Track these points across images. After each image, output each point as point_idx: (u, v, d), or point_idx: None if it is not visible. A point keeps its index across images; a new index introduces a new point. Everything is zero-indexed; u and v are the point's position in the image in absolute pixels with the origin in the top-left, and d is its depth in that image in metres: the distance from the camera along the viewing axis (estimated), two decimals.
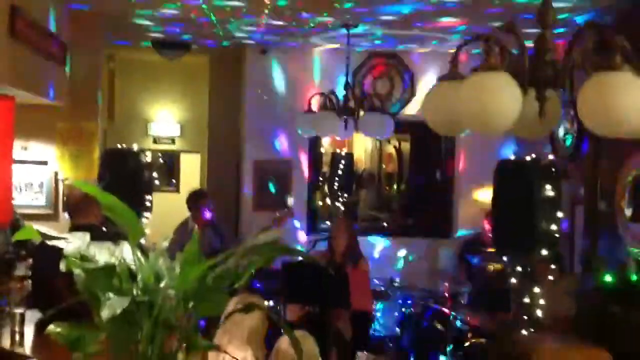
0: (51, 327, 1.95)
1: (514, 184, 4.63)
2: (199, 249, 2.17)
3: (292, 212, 6.80)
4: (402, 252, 7.73)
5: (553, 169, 4.57)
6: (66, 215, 5.15)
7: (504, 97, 2.32)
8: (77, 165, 6.10)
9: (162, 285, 2.02)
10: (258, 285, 6.24)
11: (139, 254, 2.13)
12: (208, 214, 6.29)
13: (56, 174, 6.18)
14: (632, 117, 2.21)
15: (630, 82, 2.23)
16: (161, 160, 11.62)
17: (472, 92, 2.38)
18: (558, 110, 2.79)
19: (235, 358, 2.91)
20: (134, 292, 2.00)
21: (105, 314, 1.77)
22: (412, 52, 7.52)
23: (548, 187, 4.43)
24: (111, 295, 1.96)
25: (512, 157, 5.23)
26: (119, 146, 6.56)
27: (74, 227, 3.90)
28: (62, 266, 1.94)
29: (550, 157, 5.50)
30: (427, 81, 7.43)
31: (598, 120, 2.30)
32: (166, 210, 9.86)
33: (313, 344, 3.14)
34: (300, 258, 5.47)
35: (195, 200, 6.39)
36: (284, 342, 3.10)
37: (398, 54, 7.53)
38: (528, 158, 4.89)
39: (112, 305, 1.79)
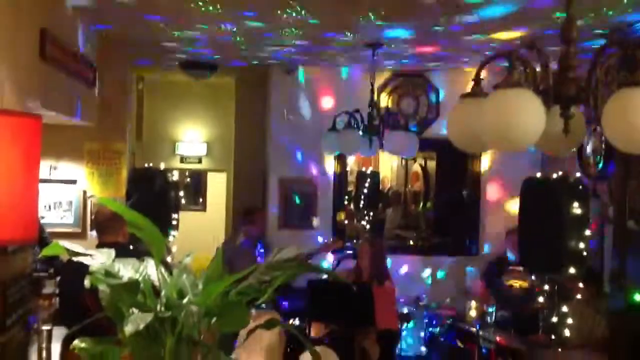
0: (76, 342, 1.97)
1: (540, 201, 4.59)
2: (223, 265, 2.19)
3: (342, 243, 6.79)
4: (428, 271, 7.68)
5: (580, 187, 4.53)
6: (94, 233, 5.23)
7: (526, 114, 2.31)
8: (105, 184, 6.19)
9: (185, 301, 2.04)
10: (284, 302, 6.25)
11: (162, 270, 2.15)
12: (256, 231, 6.36)
13: (85, 192, 6.28)
14: None
15: None
16: (188, 180, 11.75)
17: (494, 109, 2.37)
18: (582, 127, 2.77)
19: None
20: (158, 307, 2.02)
21: (128, 329, 1.78)
22: (437, 70, 7.52)
23: (575, 204, 4.38)
24: (135, 310, 1.98)
25: (539, 175, 5.18)
26: (146, 165, 6.64)
27: (101, 245, 3.93)
28: (87, 282, 1.96)
29: (578, 174, 5.45)
30: (452, 99, 7.41)
31: (623, 137, 2.28)
32: (193, 229, 9.95)
33: (335, 359, 3.13)
34: (325, 276, 5.49)
35: (246, 215, 6.45)
36: (305, 358, 3.09)
37: (423, 72, 7.54)
38: (555, 175, 4.84)
39: (135, 321, 1.81)
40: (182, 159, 9.82)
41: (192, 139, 9.71)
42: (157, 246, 2.06)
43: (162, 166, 6.44)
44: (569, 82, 2.53)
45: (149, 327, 1.89)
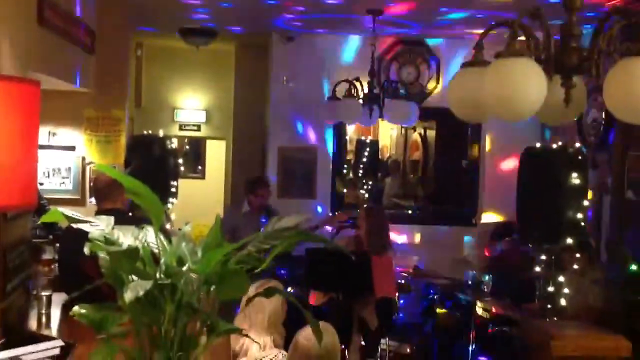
0: (75, 309, 1.98)
1: (539, 171, 4.58)
2: (222, 233, 2.19)
3: (346, 216, 6.78)
4: (426, 240, 7.71)
5: (580, 157, 4.52)
6: (93, 200, 5.23)
7: (528, 83, 2.30)
8: (104, 151, 6.17)
9: (184, 268, 2.05)
10: (282, 271, 6.27)
11: (161, 237, 2.15)
12: (261, 201, 6.35)
13: (83, 159, 6.26)
14: None
15: None
16: (187, 147, 11.72)
17: (496, 78, 2.36)
18: (584, 97, 2.76)
19: (257, 342, 2.93)
20: (157, 275, 2.02)
21: (128, 296, 1.78)
22: (439, 38, 7.47)
23: (575, 175, 4.38)
24: (134, 277, 1.99)
25: (538, 145, 5.17)
26: (145, 133, 6.62)
27: (100, 212, 3.94)
28: (86, 249, 1.96)
29: (577, 144, 5.44)
30: (453, 68, 7.38)
31: (624, 107, 2.27)
32: (191, 196, 9.95)
33: (334, 335, 3.14)
34: (323, 245, 5.50)
35: (252, 185, 6.45)
36: (302, 336, 3.10)
37: (424, 40, 7.49)
38: (555, 145, 4.83)
39: (135, 288, 1.81)
40: (181, 127, 9.79)
41: (191, 106, 9.67)
42: (156, 214, 2.06)
43: (161, 133, 6.41)
44: (571, 52, 2.51)
45: (148, 294, 1.89)
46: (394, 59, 7.50)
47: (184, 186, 7.80)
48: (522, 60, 2.32)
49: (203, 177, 11.85)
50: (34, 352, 2.61)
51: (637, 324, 4.35)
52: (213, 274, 1.96)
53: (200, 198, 10.49)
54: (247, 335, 2.66)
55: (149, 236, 2.18)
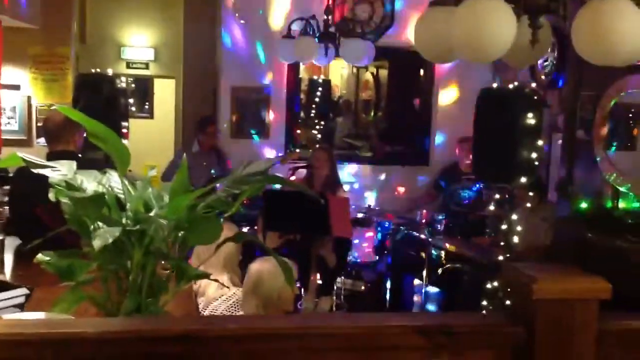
0: (40, 256, 1.92)
1: (496, 112, 4.61)
2: (188, 178, 2.14)
3: (299, 154, 6.74)
4: (379, 180, 7.75)
5: (535, 97, 4.56)
6: (41, 140, 5.07)
7: (499, 24, 2.27)
8: (50, 89, 5.96)
9: (152, 214, 2.00)
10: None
11: (127, 182, 2.09)
12: (212, 140, 6.26)
13: (29, 98, 6.04)
14: (627, 44, 2.18)
15: (625, 8, 2.19)
16: (133, 86, 11.40)
17: (466, 18, 2.32)
18: (549, 38, 2.76)
19: (216, 281, 2.91)
20: (124, 221, 1.97)
21: (97, 243, 1.74)
22: None
23: (530, 115, 4.42)
24: (100, 224, 1.93)
25: (495, 85, 5.20)
26: (93, 71, 6.40)
27: (51, 154, 3.82)
28: (51, 195, 1.89)
29: (533, 85, 5.49)
30: (408, 7, 7.31)
31: (593, 47, 2.27)
32: (140, 137, 9.75)
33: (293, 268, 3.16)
34: (279, 186, 5.49)
35: (202, 123, 6.33)
36: (253, 264, 3.12)
37: None
38: (511, 86, 4.86)
39: (104, 235, 1.77)
40: (128, 65, 9.49)
41: (138, 43, 9.37)
42: (121, 157, 1.99)
43: (110, 72, 6.20)
44: None
45: (116, 241, 1.85)
46: None
47: (132, 126, 7.62)
48: (494, 0, 2.29)
49: (152, 117, 11.60)
50: (1, 300, 2.54)
51: (586, 261, 4.48)
52: (183, 219, 1.92)
53: (149, 138, 10.28)
54: (216, 280, 2.64)
55: (113, 181, 2.12)
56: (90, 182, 2.05)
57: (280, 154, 7.32)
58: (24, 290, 2.63)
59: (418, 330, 1.33)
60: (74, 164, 2.03)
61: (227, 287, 3.52)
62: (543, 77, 6.22)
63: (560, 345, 1.34)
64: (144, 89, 11.55)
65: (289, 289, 2.96)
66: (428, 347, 1.32)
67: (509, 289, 1.40)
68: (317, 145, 7.27)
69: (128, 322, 1.70)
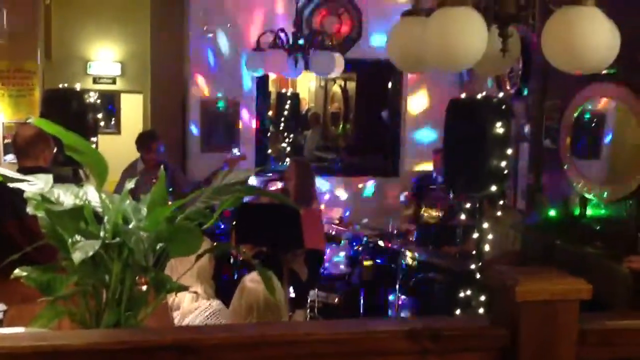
0: (18, 272, 1.90)
1: (465, 122, 4.66)
2: (166, 190, 2.13)
3: (244, 155, 6.74)
4: (349, 192, 7.78)
5: (504, 107, 4.63)
6: (8, 157, 5.00)
7: (471, 33, 2.31)
8: (17, 105, 5.89)
9: (130, 226, 1.99)
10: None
11: (104, 195, 2.07)
12: (157, 156, 6.16)
13: None
14: (596, 51, 2.24)
15: (595, 17, 2.25)
16: (98, 101, 11.28)
17: (437, 27, 2.36)
18: (518, 47, 2.81)
19: (193, 292, 2.90)
20: (102, 234, 1.96)
21: (77, 256, 1.72)
22: None
23: (499, 124, 4.49)
24: (78, 238, 1.91)
25: (464, 95, 5.27)
26: (60, 86, 6.33)
27: (22, 170, 3.77)
28: (29, 209, 1.87)
29: (501, 94, 5.57)
30: (375, 20, 7.38)
31: (562, 55, 2.31)
32: (107, 153, 9.61)
33: (278, 282, 3.15)
34: (249, 198, 5.48)
35: (144, 141, 6.24)
36: (249, 279, 3.10)
37: None
38: (479, 96, 4.92)
39: (83, 248, 1.75)
40: (95, 80, 9.43)
41: (105, 58, 9.31)
42: (100, 171, 1.98)
43: (78, 87, 6.15)
44: (509, 1, 2.54)
45: (94, 255, 1.83)
46: (317, 8, 7.41)
47: (99, 142, 7.53)
48: (465, 9, 2.33)
49: (119, 133, 11.51)
50: None
51: (556, 267, 4.55)
52: (163, 231, 1.91)
53: (116, 154, 10.15)
54: (196, 293, 2.62)
55: (89, 194, 2.10)
56: (67, 196, 2.03)
57: (251, 168, 7.31)
58: (2, 306, 2.59)
59: (405, 335, 1.34)
60: (50, 177, 2.02)
61: (206, 299, 3.50)
62: (509, 86, 6.33)
63: (544, 346, 1.37)
64: (110, 105, 11.47)
65: (273, 297, 2.95)
66: (415, 351, 1.33)
67: (492, 292, 1.42)
68: (293, 158, 7.31)
69: (114, 333, 1.69)
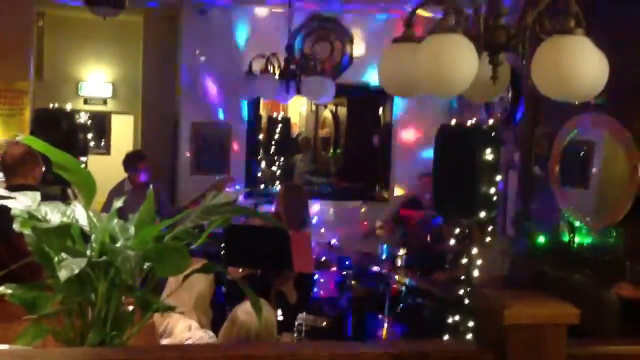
0: (2, 289, 1.88)
1: (455, 148, 4.70)
2: (153, 209, 2.12)
3: (233, 178, 6.74)
4: (339, 216, 7.78)
5: (493, 134, 4.66)
6: None
7: (462, 60, 2.32)
8: (7, 124, 5.88)
9: (118, 245, 1.97)
10: (194, 247, 6.16)
11: (91, 214, 2.07)
12: (144, 177, 6.15)
13: None
14: (586, 80, 2.26)
15: (584, 46, 2.27)
16: (89, 122, 11.28)
17: (429, 54, 2.37)
18: (508, 75, 2.83)
19: (190, 319, 2.87)
20: (88, 252, 1.94)
21: (63, 274, 1.71)
22: (353, 15, 7.49)
23: (488, 151, 4.51)
24: (64, 256, 1.90)
25: (454, 122, 5.31)
26: (51, 106, 6.33)
27: (10, 188, 3.74)
28: (15, 226, 1.86)
29: (490, 121, 5.61)
30: (368, 45, 7.44)
31: (552, 84, 2.33)
32: (97, 173, 9.58)
33: (270, 310, 3.13)
34: (240, 221, 5.47)
35: (131, 162, 6.23)
36: (241, 310, 3.06)
37: (338, 17, 7.49)
38: (469, 123, 4.96)
39: (69, 266, 1.74)
40: (86, 100, 9.43)
41: (96, 79, 9.32)
42: (88, 189, 1.98)
43: (69, 107, 6.15)
44: (500, 29, 2.56)
45: (80, 273, 1.82)
46: (308, 34, 7.46)
47: (89, 162, 7.52)
48: (456, 36, 2.35)
49: (108, 153, 11.48)
50: None
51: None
52: (151, 250, 1.90)
53: (105, 175, 10.12)
54: (182, 313, 2.61)
55: (77, 212, 2.09)
56: (54, 214, 2.02)
57: (241, 189, 7.31)
58: None
59: (392, 358, 1.34)
60: (37, 194, 2.01)
61: (200, 330, 3.47)
62: (499, 114, 6.37)
63: None
64: (101, 125, 11.45)
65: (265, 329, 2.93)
66: None
67: (479, 315, 1.41)
68: (284, 183, 7.31)
69: (98, 352, 1.67)
